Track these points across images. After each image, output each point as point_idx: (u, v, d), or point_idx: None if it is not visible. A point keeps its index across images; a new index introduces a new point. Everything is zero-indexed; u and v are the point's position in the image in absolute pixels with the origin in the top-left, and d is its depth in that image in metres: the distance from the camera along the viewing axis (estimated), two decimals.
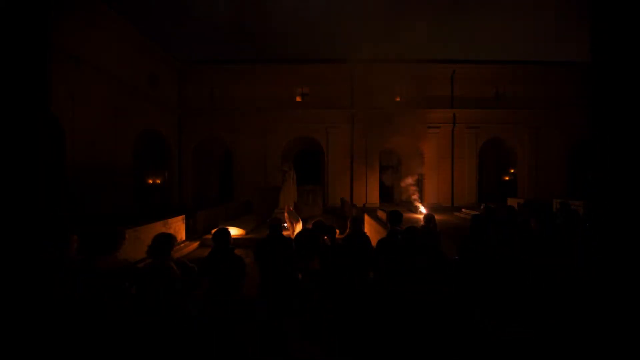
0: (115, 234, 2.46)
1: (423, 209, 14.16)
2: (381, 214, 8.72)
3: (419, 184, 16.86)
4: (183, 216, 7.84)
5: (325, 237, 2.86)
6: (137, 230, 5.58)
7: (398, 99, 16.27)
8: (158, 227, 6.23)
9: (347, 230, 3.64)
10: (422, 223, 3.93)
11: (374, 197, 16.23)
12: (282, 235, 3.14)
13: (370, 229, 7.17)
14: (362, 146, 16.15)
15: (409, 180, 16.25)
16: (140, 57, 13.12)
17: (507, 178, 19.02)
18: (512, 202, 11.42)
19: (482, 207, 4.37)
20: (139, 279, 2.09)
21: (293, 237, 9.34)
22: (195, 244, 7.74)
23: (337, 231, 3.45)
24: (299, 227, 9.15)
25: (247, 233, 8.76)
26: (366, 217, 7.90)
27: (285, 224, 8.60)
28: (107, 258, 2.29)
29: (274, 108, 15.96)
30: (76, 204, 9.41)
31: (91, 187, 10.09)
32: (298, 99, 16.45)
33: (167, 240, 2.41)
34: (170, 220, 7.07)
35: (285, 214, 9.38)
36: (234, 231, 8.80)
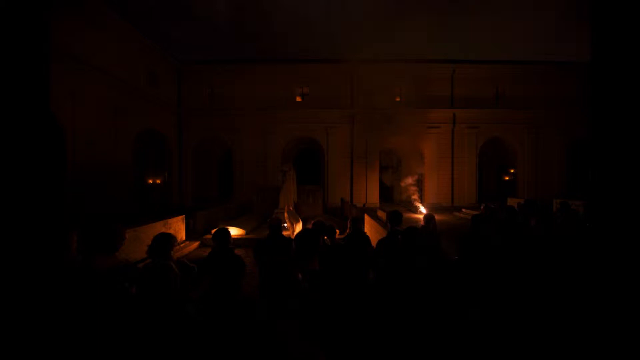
0: (114, 233, 2.46)
1: (423, 209, 14.16)
2: (381, 214, 8.72)
3: (419, 184, 16.87)
4: (183, 216, 7.82)
5: (325, 237, 2.86)
6: (137, 230, 5.58)
7: (398, 99, 16.28)
8: (158, 227, 6.23)
9: (347, 231, 3.65)
10: (422, 223, 3.93)
11: (374, 197, 16.25)
12: (282, 235, 3.15)
13: (370, 229, 7.17)
14: (362, 146, 16.16)
15: (409, 180, 16.25)
16: (140, 57, 13.12)
17: (507, 178, 19.03)
18: (512, 202, 11.43)
19: (482, 206, 4.37)
20: (138, 278, 2.09)
21: (293, 237, 9.23)
22: (196, 244, 7.73)
23: (337, 231, 3.46)
24: (299, 227, 9.14)
25: (247, 233, 8.75)
26: (366, 217, 7.90)
27: (285, 224, 8.60)
28: (106, 257, 2.28)
29: (274, 108, 15.98)
30: (76, 204, 9.41)
31: (91, 187, 10.09)
32: (298, 99, 16.46)
33: (167, 240, 2.41)
34: (170, 220, 7.06)
35: (285, 214, 9.36)
36: (234, 231, 8.80)
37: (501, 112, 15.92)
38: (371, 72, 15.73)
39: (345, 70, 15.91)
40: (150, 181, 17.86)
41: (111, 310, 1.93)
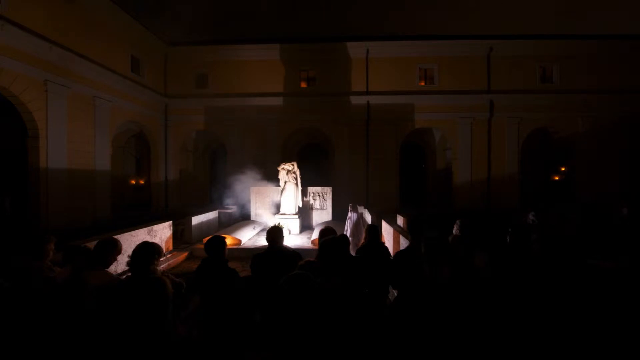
0: (111, 246, 2.63)
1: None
2: (401, 219, 8.74)
3: (448, 181, 16.71)
4: (170, 222, 7.99)
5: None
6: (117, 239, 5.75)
7: (422, 84, 16.14)
8: (141, 235, 6.39)
9: (363, 241, 3.77)
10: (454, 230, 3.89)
11: (392, 198, 16.08)
12: (283, 248, 3.15)
13: (386, 235, 7.23)
14: (378, 139, 16.07)
15: (432, 179, 15.99)
16: (122, 42, 13.33)
17: (556, 178, 18.62)
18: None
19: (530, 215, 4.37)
20: (128, 295, 2.18)
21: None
22: (184, 255, 7.89)
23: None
24: (295, 231, 9.24)
25: (243, 242, 8.86)
26: (384, 225, 7.95)
27: (284, 227, 8.83)
28: (97, 273, 2.42)
29: (275, 96, 16.05)
30: (49, 209, 9.70)
31: (66, 189, 10.34)
32: (303, 84, 16.49)
33: (152, 250, 2.35)
34: (155, 226, 7.21)
35: (287, 217, 9.55)
36: (229, 240, 8.93)
37: (548, 97, 15.55)
38: (389, 52, 15.72)
39: (359, 50, 15.86)
40: (133, 182, 18.32)
41: (102, 329, 2.06)
